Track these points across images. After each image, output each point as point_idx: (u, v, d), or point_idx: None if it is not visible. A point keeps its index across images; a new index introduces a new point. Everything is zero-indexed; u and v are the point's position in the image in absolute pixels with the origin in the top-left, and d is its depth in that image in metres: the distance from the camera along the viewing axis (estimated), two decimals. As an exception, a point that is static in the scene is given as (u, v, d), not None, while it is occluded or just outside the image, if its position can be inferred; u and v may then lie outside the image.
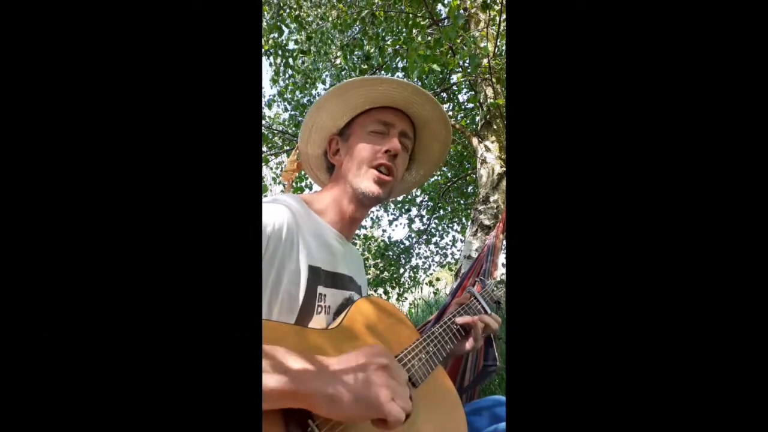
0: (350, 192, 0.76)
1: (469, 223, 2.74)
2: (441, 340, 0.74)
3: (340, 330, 0.62)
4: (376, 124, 0.76)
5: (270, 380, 0.44)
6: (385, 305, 0.72)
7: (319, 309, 0.67)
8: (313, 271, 0.67)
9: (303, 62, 4.16)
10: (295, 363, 0.47)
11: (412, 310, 5.00)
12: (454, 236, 5.46)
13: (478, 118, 3.02)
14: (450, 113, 4.35)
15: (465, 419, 0.67)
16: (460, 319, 0.80)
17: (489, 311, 0.88)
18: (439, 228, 5.43)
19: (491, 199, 2.56)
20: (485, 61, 2.49)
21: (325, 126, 0.80)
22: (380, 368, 0.50)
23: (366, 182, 0.74)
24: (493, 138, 2.76)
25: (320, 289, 0.68)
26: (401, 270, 5.24)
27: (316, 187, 0.91)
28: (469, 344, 0.80)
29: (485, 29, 2.77)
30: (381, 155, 0.74)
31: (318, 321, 0.67)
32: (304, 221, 0.70)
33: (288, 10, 3.44)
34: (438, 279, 5.43)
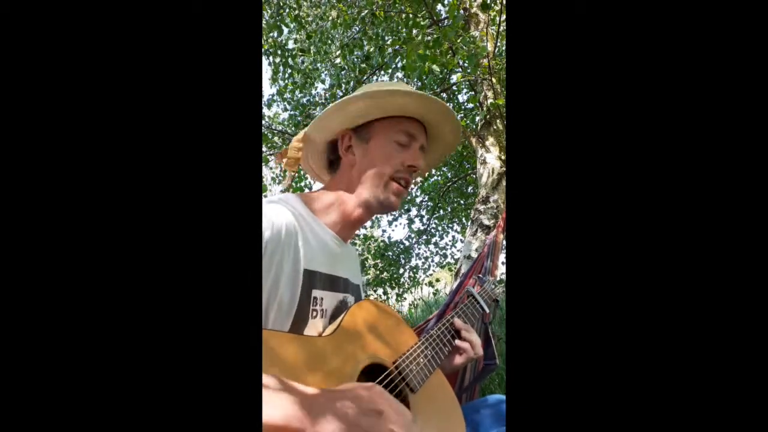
0: (363, 197, 0.73)
1: (469, 223, 2.74)
2: (439, 342, 0.74)
3: (338, 335, 0.61)
4: (401, 135, 0.74)
5: (263, 412, 0.42)
6: (382, 307, 0.71)
7: (315, 313, 0.66)
8: (310, 274, 0.66)
9: (302, 62, 4.15)
10: (292, 395, 0.46)
11: (412, 311, 5.00)
12: (453, 236, 5.47)
13: (478, 118, 3.02)
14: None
15: (463, 421, 0.67)
16: (458, 322, 0.80)
17: (488, 310, 0.88)
18: (439, 228, 5.44)
19: (491, 199, 2.56)
20: (485, 61, 2.49)
21: (347, 118, 0.75)
22: (375, 413, 0.49)
23: (386, 193, 0.73)
24: (493, 138, 2.76)
25: (316, 293, 0.67)
26: (401, 270, 5.24)
27: (315, 186, 0.85)
28: (459, 360, 0.78)
29: (485, 29, 2.77)
30: (404, 168, 0.73)
31: (314, 325, 0.66)
32: (304, 223, 0.69)
33: (287, 10, 3.44)
34: (438, 279, 5.42)
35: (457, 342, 0.79)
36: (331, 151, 0.80)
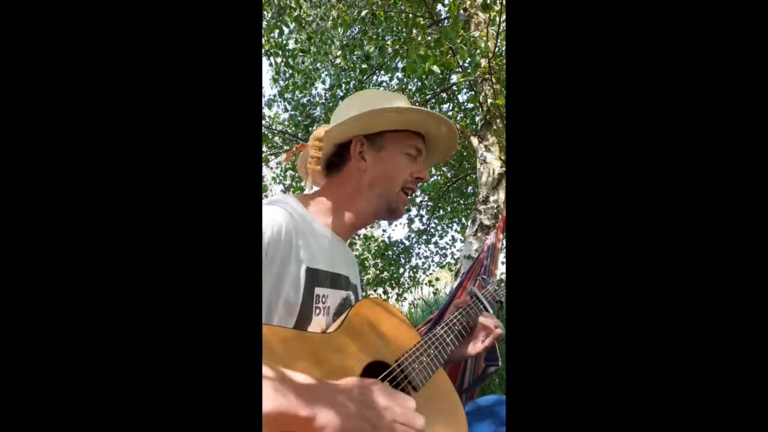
0: (374, 202, 0.76)
1: (469, 223, 2.74)
2: (443, 342, 0.74)
3: (341, 333, 0.62)
4: (411, 148, 0.78)
5: (268, 401, 0.43)
6: (385, 306, 0.72)
7: (318, 310, 0.67)
8: (312, 272, 0.67)
9: (303, 62, 4.15)
10: (296, 385, 0.46)
11: (412, 310, 5.00)
12: (453, 236, 5.46)
13: (478, 118, 3.02)
14: (450, 113, 4.35)
15: (465, 421, 0.67)
16: (483, 320, 0.82)
17: (491, 311, 0.88)
18: (439, 228, 5.43)
19: (491, 199, 2.56)
20: (485, 61, 2.49)
21: (366, 126, 0.75)
22: (381, 409, 0.49)
23: (397, 203, 0.78)
24: (493, 138, 2.76)
25: (318, 290, 0.68)
26: (401, 270, 5.23)
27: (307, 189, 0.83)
28: (472, 348, 0.82)
29: (485, 29, 2.77)
30: (412, 179, 0.78)
31: (318, 322, 0.67)
32: (302, 222, 0.70)
33: (288, 10, 3.44)
34: (438, 279, 5.42)
35: (481, 320, 0.83)
36: (337, 153, 0.79)
